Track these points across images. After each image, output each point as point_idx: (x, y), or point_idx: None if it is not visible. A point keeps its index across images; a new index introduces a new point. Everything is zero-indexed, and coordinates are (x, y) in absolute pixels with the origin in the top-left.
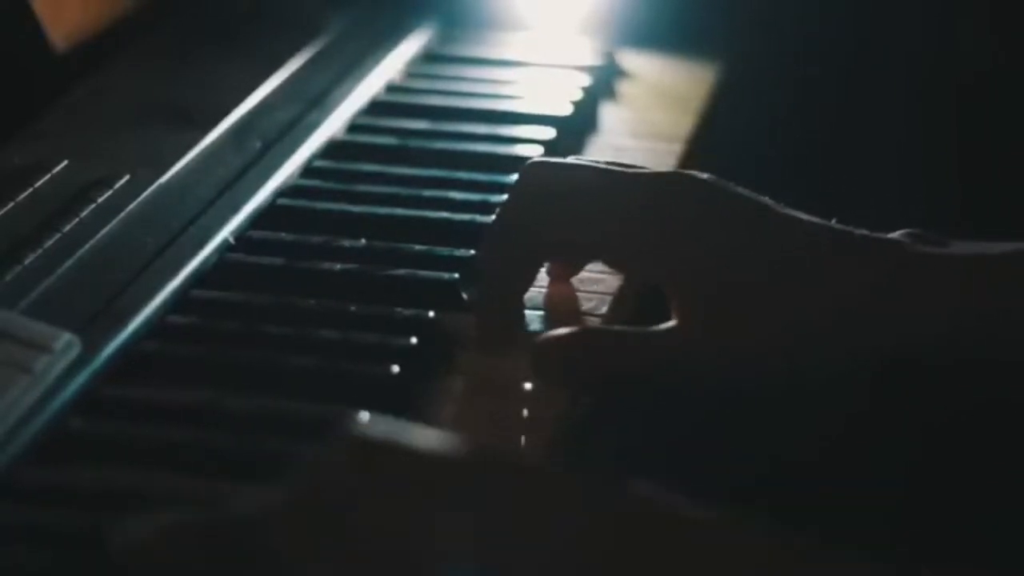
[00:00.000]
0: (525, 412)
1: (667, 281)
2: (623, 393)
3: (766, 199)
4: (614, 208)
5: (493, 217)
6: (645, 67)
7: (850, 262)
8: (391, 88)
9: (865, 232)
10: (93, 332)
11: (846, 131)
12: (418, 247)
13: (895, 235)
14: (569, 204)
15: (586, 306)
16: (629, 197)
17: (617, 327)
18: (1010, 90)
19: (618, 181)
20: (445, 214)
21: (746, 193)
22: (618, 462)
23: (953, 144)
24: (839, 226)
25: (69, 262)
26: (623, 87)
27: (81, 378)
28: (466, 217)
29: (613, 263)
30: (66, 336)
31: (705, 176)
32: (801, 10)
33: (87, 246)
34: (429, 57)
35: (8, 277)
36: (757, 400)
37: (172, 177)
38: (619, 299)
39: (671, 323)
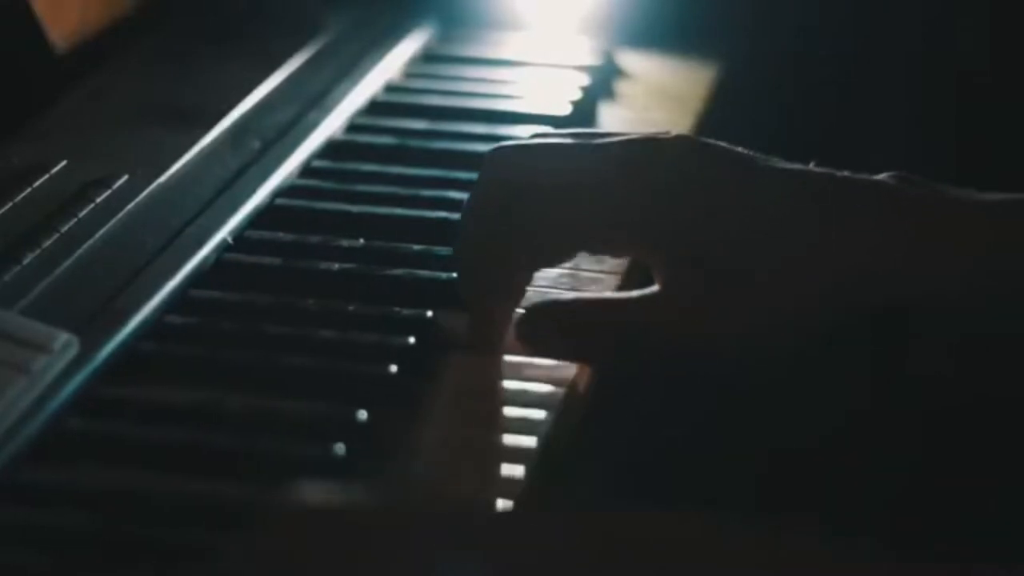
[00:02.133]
0: (521, 412)
1: (651, 251)
2: (609, 358)
3: (749, 153)
4: (587, 187)
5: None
6: (644, 67)
7: (853, 214)
8: (390, 88)
9: (854, 175)
10: (92, 332)
11: (846, 131)
12: (417, 247)
13: (881, 176)
14: (539, 193)
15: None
16: (601, 171)
17: (601, 295)
18: (1010, 90)
19: (587, 156)
20: (444, 214)
21: (726, 149)
22: (613, 465)
23: (953, 144)
24: (828, 171)
25: (68, 262)
26: (622, 87)
27: (79, 378)
28: None
29: (597, 245)
30: (64, 336)
31: (679, 135)
32: (801, 10)
33: (86, 246)
34: (428, 57)
35: (7, 277)
36: (750, 367)
37: (171, 177)
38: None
39: (655, 288)
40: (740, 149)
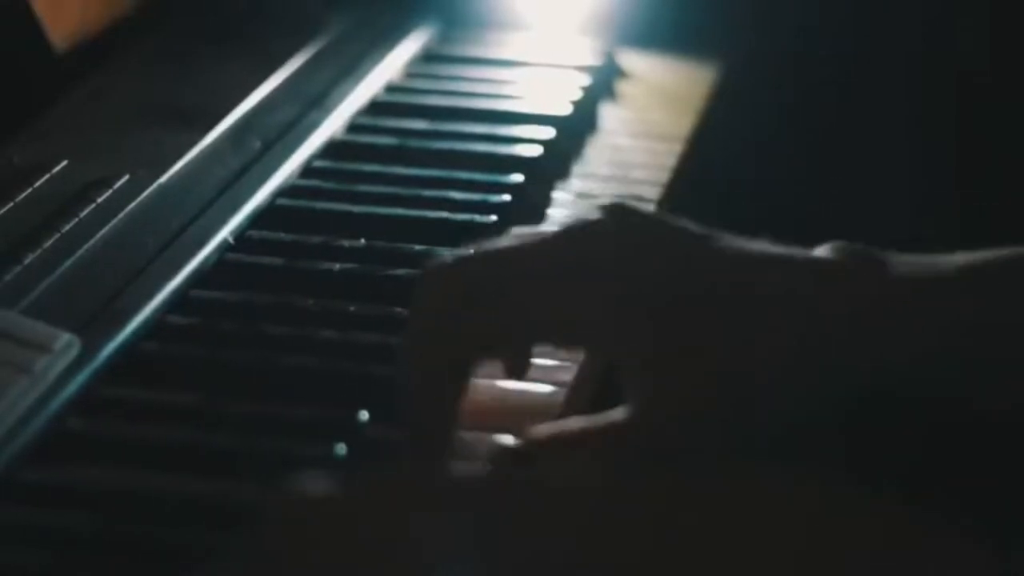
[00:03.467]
0: (522, 411)
1: (613, 351)
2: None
3: (692, 232)
4: (532, 290)
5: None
6: (645, 67)
7: (815, 290)
8: (391, 88)
9: (799, 251)
10: (93, 332)
11: (846, 131)
12: (418, 247)
13: (823, 248)
14: (481, 297)
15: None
16: (546, 273)
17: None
18: (1010, 90)
19: (526, 258)
20: (445, 214)
21: (664, 228)
22: None
23: (953, 144)
24: (780, 249)
25: (69, 262)
26: (623, 87)
27: (81, 378)
28: (466, 217)
29: (551, 341)
30: (66, 336)
31: (619, 213)
32: (801, 10)
33: (87, 246)
34: (429, 57)
35: (8, 277)
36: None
37: (172, 177)
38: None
39: (630, 412)
40: (673, 224)
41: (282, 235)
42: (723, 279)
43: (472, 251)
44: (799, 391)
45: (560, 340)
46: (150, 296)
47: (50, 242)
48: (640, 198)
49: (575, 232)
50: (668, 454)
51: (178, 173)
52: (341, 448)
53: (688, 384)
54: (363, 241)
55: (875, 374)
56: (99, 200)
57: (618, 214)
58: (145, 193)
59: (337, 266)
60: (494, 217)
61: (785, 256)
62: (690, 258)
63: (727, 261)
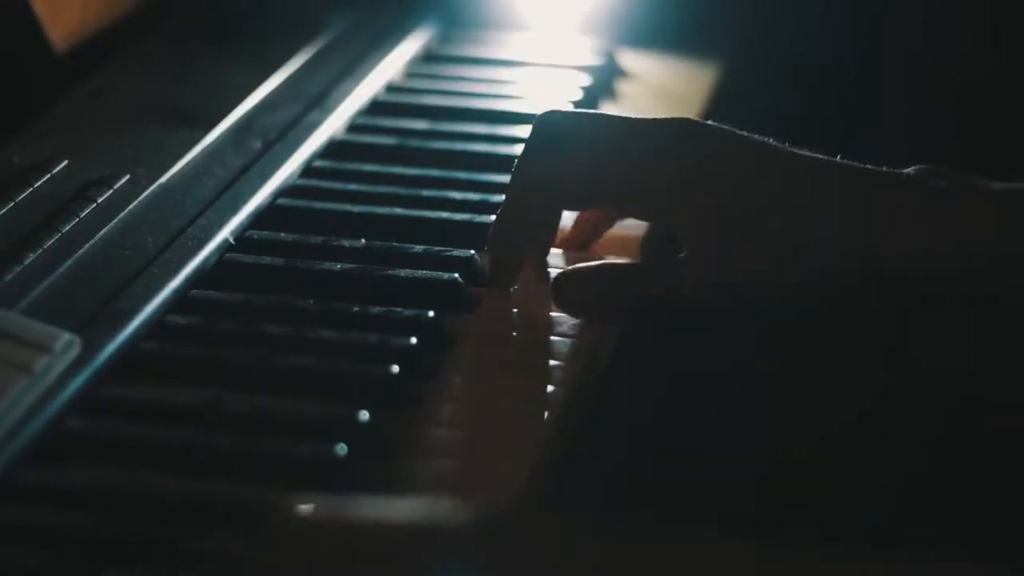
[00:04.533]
0: (522, 411)
1: (678, 220)
2: (640, 321)
3: (774, 141)
4: (625, 153)
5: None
6: (645, 67)
7: (865, 197)
8: (391, 88)
9: (879, 168)
10: (93, 332)
11: (846, 131)
12: (418, 247)
13: (910, 170)
14: (583, 151)
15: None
16: (640, 142)
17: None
18: (1010, 90)
19: (629, 127)
20: (445, 214)
21: (753, 136)
22: (614, 465)
23: (953, 144)
24: (850, 163)
25: (69, 262)
26: (623, 87)
27: (81, 378)
28: (466, 217)
29: (627, 209)
30: (66, 336)
31: (712, 123)
32: (801, 10)
33: (87, 246)
34: (429, 57)
35: (8, 277)
36: (763, 323)
37: (172, 177)
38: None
39: (683, 255)
40: (772, 141)
41: (282, 235)
42: (779, 183)
43: (581, 111)
44: (838, 284)
45: (630, 208)
46: (150, 296)
47: (50, 242)
48: None
49: (672, 130)
50: (710, 285)
51: (178, 173)
52: (341, 448)
53: (734, 253)
54: (363, 241)
55: (915, 280)
56: (99, 200)
57: (707, 127)
58: (145, 193)
59: (338, 266)
60: (494, 217)
61: (845, 170)
62: (759, 166)
63: (795, 171)
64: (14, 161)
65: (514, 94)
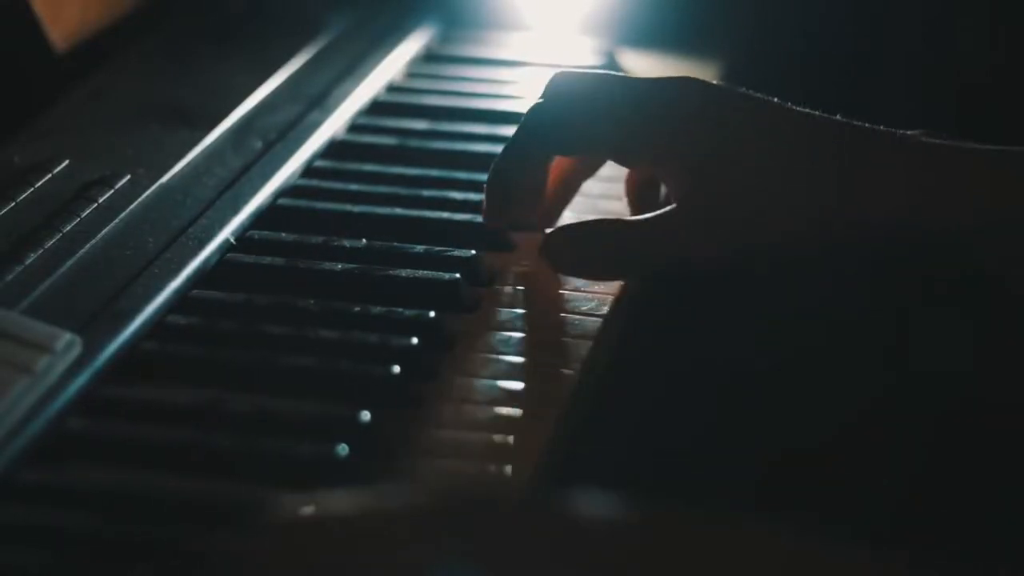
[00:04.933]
0: (521, 411)
1: (669, 168)
2: (629, 274)
3: (775, 100)
4: (625, 102)
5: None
6: (645, 67)
7: (860, 155)
8: (391, 88)
9: (877, 127)
10: (94, 332)
11: None
12: (419, 247)
13: (910, 132)
14: (583, 101)
15: (586, 307)
16: (640, 93)
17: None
18: (1010, 91)
19: (632, 81)
20: (445, 214)
21: (754, 94)
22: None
23: None
24: (848, 121)
25: (69, 262)
26: None
27: (82, 378)
28: (466, 217)
29: (620, 156)
30: (67, 336)
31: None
32: (801, 10)
33: (88, 246)
34: (429, 57)
35: (9, 277)
36: (754, 277)
37: (172, 177)
38: (618, 299)
39: (671, 206)
40: (774, 100)
41: (283, 235)
42: (778, 139)
43: (592, 72)
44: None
45: (631, 156)
46: (151, 296)
47: (50, 242)
48: None
49: (673, 86)
50: (701, 235)
51: (179, 173)
52: (341, 448)
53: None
54: (364, 241)
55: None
56: (100, 200)
57: (706, 84)
58: (145, 193)
59: (338, 266)
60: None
61: (846, 128)
62: (755, 121)
63: (796, 128)
64: (14, 161)
65: (514, 94)
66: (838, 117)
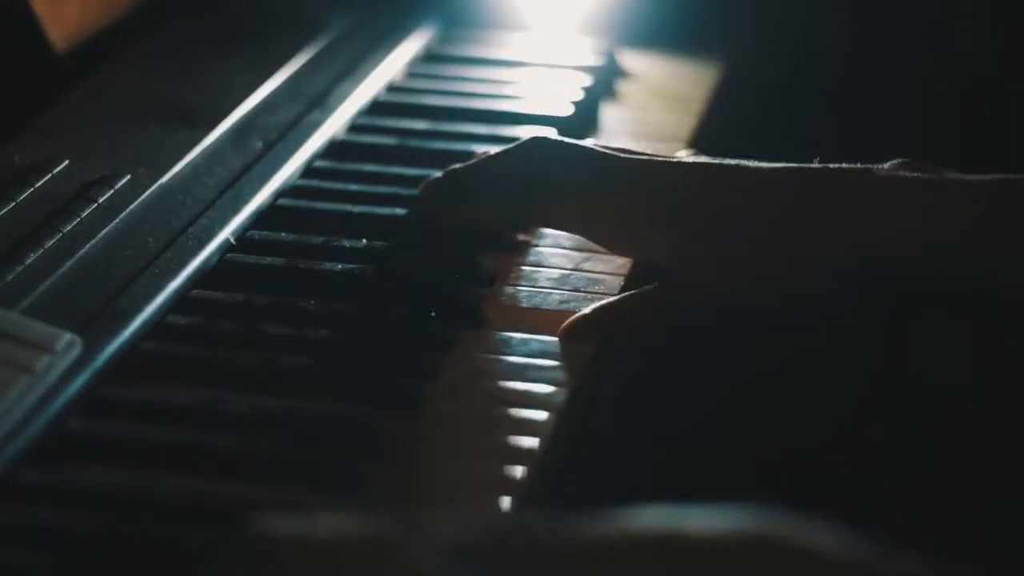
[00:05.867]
0: (522, 411)
1: (652, 251)
2: (644, 346)
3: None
4: (613, 200)
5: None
6: (646, 67)
7: (815, 195)
8: (391, 88)
9: (856, 166)
10: (94, 332)
11: (846, 132)
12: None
13: (889, 165)
14: (556, 172)
15: (586, 308)
16: (614, 174)
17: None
18: (1011, 91)
19: (604, 168)
20: None
21: (714, 160)
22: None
23: (954, 144)
24: (815, 165)
25: (70, 262)
26: (624, 87)
27: (82, 378)
28: None
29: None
30: (67, 336)
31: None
32: (802, 11)
33: (88, 246)
34: (429, 57)
35: (9, 277)
36: (756, 321)
37: (173, 177)
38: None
39: (670, 279)
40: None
41: (283, 235)
42: (773, 197)
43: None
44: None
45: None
46: (151, 296)
47: (51, 242)
48: None
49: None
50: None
51: (179, 173)
52: (341, 448)
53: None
54: (363, 241)
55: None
56: (100, 200)
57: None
58: (146, 193)
59: (339, 266)
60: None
61: (824, 174)
62: (745, 184)
63: (777, 183)
64: (14, 161)
65: (516, 94)
66: (816, 162)
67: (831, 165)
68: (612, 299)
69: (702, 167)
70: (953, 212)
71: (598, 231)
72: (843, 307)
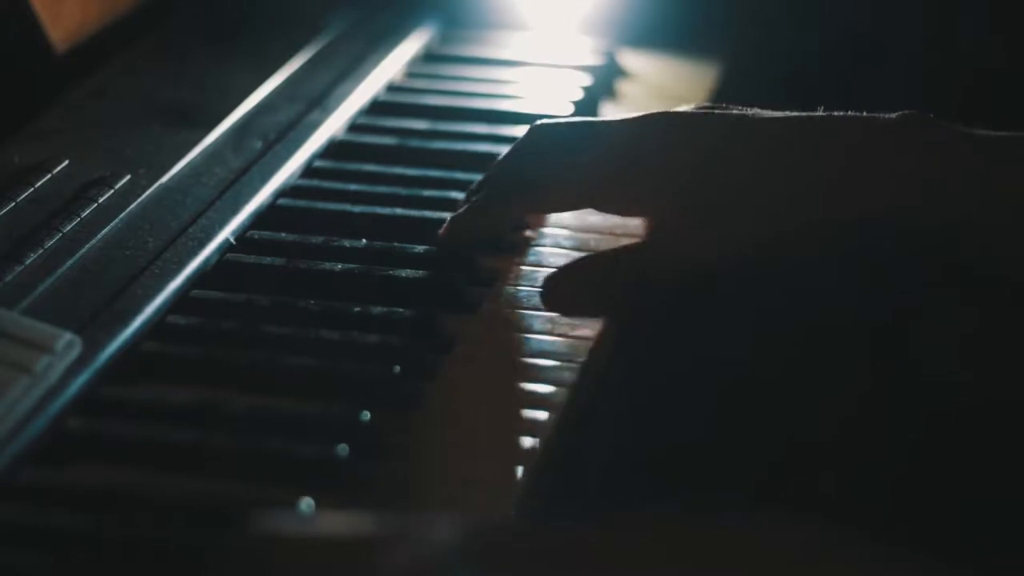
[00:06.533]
0: (522, 411)
1: (654, 204)
2: (625, 299)
3: (747, 110)
4: (600, 159)
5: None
6: (645, 67)
7: (837, 148)
8: (391, 88)
9: (855, 114)
10: (94, 332)
11: None
12: (419, 247)
13: (895, 115)
14: (562, 162)
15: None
16: (607, 141)
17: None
18: (1011, 90)
19: (601, 132)
20: (445, 214)
21: (714, 110)
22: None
23: None
24: (820, 114)
25: (69, 262)
26: (623, 87)
27: (82, 378)
28: None
29: (602, 207)
30: (67, 336)
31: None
32: (801, 10)
33: (88, 246)
34: (429, 57)
35: (9, 277)
36: (742, 280)
37: (173, 177)
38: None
39: (657, 233)
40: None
41: (283, 235)
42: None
43: (567, 120)
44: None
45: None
46: (151, 296)
47: (51, 242)
48: None
49: (635, 127)
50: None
51: (179, 173)
52: (341, 448)
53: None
54: (364, 241)
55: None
56: (100, 200)
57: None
58: (146, 193)
59: (339, 266)
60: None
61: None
62: (726, 136)
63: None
64: (14, 161)
65: (515, 94)
66: (820, 110)
67: (835, 113)
68: (595, 254)
69: (702, 117)
70: (966, 170)
71: (609, 202)
72: (847, 270)
